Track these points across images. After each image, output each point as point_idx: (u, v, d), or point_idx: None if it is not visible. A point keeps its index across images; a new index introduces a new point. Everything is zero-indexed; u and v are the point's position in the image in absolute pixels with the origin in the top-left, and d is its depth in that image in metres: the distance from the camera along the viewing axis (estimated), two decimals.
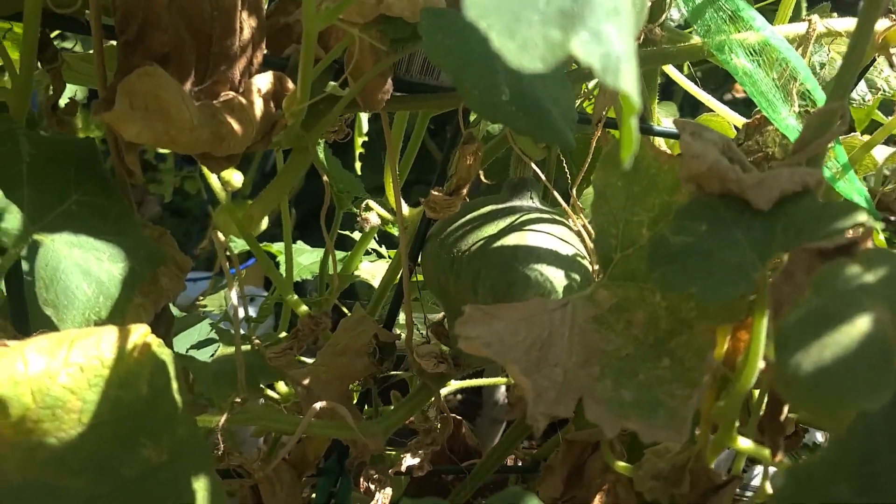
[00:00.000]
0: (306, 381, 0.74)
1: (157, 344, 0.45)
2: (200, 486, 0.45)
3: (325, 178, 0.62)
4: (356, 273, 0.93)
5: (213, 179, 0.80)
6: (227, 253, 0.73)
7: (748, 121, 0.63)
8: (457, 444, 0.99)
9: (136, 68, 0.48)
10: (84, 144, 0.53)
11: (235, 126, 0.51)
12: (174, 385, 0.45)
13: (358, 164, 1.23)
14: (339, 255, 0.98)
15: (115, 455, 0.40)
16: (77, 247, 0.46)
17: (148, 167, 1.85)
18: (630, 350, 0.48)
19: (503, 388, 1.33)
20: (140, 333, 0.44)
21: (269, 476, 0.72)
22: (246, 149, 0.55)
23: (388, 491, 0.79)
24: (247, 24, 0.53)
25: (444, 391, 0.97)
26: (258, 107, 0.53)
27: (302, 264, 1.04)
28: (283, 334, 0.89)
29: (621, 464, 0.57)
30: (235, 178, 1.39)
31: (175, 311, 1.13)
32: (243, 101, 0.52)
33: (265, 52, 0.57)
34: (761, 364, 0.44)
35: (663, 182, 0.50)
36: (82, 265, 0.45)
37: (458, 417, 1.00)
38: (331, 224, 0.88)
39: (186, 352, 0.97)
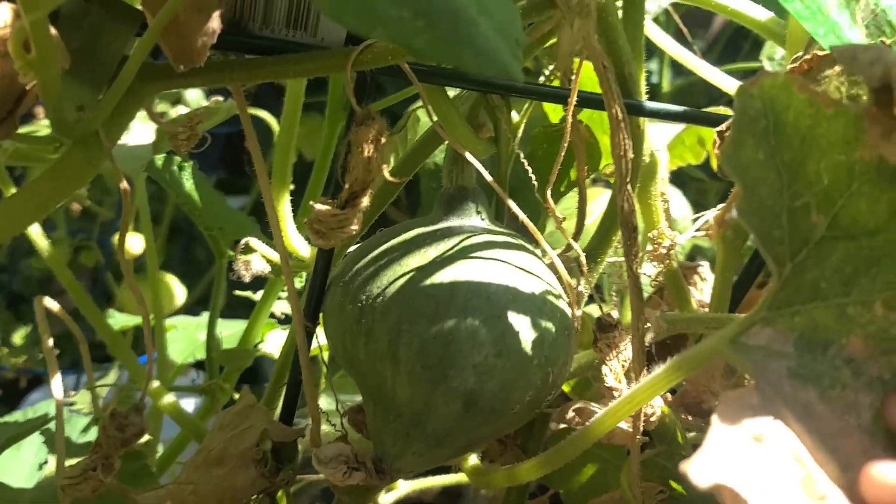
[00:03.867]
0: None
1: None
2: None
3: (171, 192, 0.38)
4: (259, 347, 0.69)
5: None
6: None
7: (794, 65, 0.41)
8: None
9: None
10: None
11: None
12: None
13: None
14: (239, 324, 0.74)
15: None
16: None
17: None
18: None
19: None
20: None
21: None
22: None
23: None
24: None
25: (387, 499, 0.73)
26: None
27: (200, 341, 0.80)
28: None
29: None
30: (133, 243, 1.14)
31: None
32: None
33: None
34: None
35: (828, 135, 0.32)
36: None
37: None
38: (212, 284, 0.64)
39: (40, 468, 0.72)
